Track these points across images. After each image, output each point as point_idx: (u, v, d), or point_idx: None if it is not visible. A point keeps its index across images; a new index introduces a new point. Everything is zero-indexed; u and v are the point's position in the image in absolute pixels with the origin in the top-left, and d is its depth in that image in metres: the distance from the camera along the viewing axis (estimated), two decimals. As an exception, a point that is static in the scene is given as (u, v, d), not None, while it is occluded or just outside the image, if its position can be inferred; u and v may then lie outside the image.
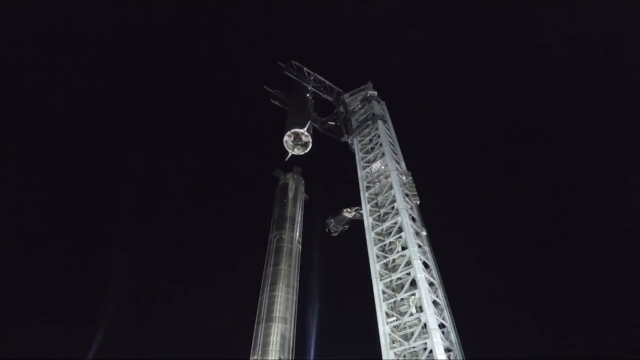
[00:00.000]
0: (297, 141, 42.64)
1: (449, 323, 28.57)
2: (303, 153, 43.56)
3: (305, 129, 41.49)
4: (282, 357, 30.76)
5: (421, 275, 29.15)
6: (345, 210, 42.78)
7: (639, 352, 40.22)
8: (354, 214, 42.29)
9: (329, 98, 51.03)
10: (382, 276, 32.62)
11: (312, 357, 36.56)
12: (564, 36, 72.84)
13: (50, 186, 75.54)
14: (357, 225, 40.16)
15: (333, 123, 50.75)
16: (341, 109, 51.28)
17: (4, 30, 66.73)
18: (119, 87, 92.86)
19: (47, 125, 79.35)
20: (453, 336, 27.82)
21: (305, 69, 50.07)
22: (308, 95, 47.84)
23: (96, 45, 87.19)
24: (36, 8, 72.41)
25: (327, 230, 44.89)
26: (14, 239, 62.10)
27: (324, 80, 50.88)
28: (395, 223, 34.23)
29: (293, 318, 34.06)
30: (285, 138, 42.50)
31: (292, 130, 41.97)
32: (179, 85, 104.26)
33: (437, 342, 25.49)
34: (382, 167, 40.34)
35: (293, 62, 49.26)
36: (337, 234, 44.51)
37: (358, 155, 44.56)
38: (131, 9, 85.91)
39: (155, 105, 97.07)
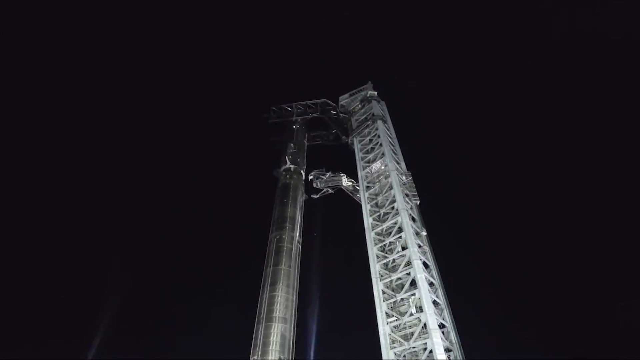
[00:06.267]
0: (287, 172, 45.95)
1: (449, 323, 28.59)
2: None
3: (288, 161, 45.90)
4: (282, 357, 30.73)
5: (421, 275, 29.19)
6: (344, 176, 42.86)
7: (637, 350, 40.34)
8: (349, 185, 42.63)
9: (314, 115, 53.22)
10: (382, 276, 32.65)
11: (312, 357, 36.56)
12: (565, 34, 72.93)
13: (53, 191, 75.46)
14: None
15: (334, 130, 52.62)
16: (332, 114, 53.00)
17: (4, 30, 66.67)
18: (118, 89, 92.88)
19: (49, 127, 79.45)
20: (453, 336, 27.85)
21: (284, 106, 53.55)
22: (295, 126, 51.47)
23: (98, 49, 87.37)
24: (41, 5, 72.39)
25: (309, 179, 45.13)
26: (13, 247, 61.85)
27: (304, 103, 53.63)
28: (395, 223, 34.26)
29: (293, 318, 33.97)
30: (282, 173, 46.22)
31: (283, 168, 45.80)
32: (179, 86, 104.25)
33: (437, 342, 25.52)
34: (382, 167, 40.35)
35: (272, 108, 53.55)
36: (317, 195, 44.63)
37: (358, 155, 44.57)
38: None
39: (156, 107, 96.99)
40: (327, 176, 44.29)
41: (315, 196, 44.77)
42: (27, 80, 77.13)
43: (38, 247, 67.67)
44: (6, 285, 53.77)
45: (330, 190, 44.30)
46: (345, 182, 43.18)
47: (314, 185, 44.81)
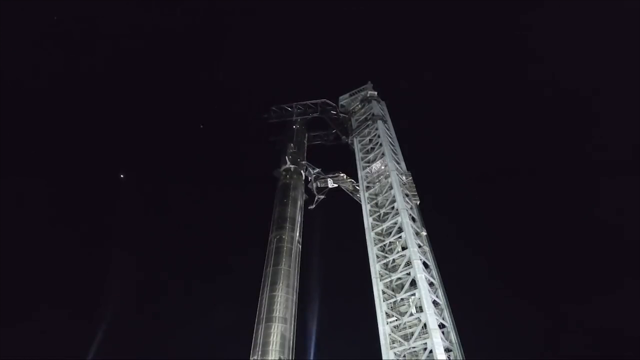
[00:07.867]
0: (287, 172, 45.86)
1: (449, 323, 28.60)
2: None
3: (288, 161, 45.75)
4: (282, 357, 30.76)
5: (421, 275, 29.19)
6: (343, 176, 43.25)
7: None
8: (340, 184, 42.71)
9: (315, 115, 53.32)
10: (382, 276, 32.65)
11: (312, 357, 36.65)
12: (561, 38, 72.83)
13: (54, 182, 75.49)
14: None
15: (334, 130, 52.75)
16: (332, 114, 53.01)
17: (4, 30, 66.71)
18: (122, 87, 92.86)
19: (50, 122, 79.46)
20: (453, 336, 27.86)
21: (284, 106, 53.65)
22: (295, 126, 51.45)
23: (105, 46, 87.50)
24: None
25: (308, 179, 45.14)
26: (17, 234, 62.02)
27: (304, 103, 53.71)
28: (395, 223, 34.26)
29: (293, 318, 34.02)
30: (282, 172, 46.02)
31: (283, 168, 45.72)
32: (179, 86, 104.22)
33: (437, 342, 25.53)
34: (382, 167, 40.35)
35: (272, 108, 53.78)
36: (313, 205, 44.45)
37: (358, 155, 44.56)
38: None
39: (156, 107, 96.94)
40: (315, 170, 44.34)
41: (311, 207, 44.77)
42: (27, 80, 77.11)
43: (37, 239, 67.58)
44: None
45: (321, 197, 44.35)
46: (332, 184, 43.31)
47: (308, 185, 44.96)
